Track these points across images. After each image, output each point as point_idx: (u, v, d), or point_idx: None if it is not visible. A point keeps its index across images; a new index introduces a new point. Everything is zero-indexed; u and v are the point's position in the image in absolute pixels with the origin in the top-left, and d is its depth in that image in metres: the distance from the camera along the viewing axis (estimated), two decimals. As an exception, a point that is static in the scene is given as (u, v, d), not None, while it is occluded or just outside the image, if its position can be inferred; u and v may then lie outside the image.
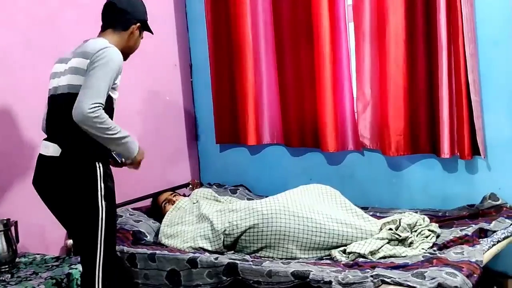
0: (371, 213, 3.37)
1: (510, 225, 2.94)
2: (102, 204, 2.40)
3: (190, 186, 4.15)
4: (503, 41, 3.20)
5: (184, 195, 3.92)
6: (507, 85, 3.22)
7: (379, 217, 3.26)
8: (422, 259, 2.71)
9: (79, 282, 2.67)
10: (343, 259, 2.86)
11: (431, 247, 2.89)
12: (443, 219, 3.23)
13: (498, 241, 2.84)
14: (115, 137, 2.36)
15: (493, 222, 2.98)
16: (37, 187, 2.54)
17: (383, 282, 2.46)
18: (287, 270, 2.67)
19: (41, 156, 2.51)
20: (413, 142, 3.46)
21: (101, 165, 2.42)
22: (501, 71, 3.23)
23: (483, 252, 2.69)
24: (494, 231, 2.91)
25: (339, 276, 2.54)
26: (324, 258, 2.97)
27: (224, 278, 2.82)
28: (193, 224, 3.30)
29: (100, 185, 2.39)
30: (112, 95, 2.44)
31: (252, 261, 2.87)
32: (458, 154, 3.34)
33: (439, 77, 3.30)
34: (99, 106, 2.28)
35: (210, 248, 3.10)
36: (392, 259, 2.78)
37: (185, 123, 4.27)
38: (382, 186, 3.67)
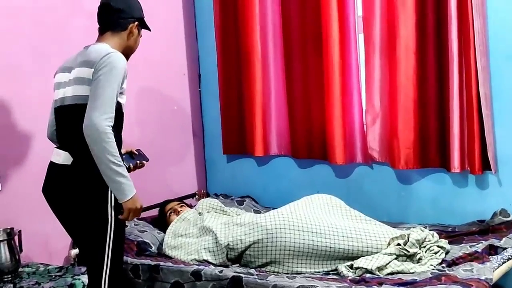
0: (379, 222, 3.30)
1: (521, 242, 2.89)
2: (111, 215, 2.37)
3: (197, 196, 4.12)
4: (516, 55, 3.17)
5: (191, 206, 3.89)
6: (519, 100, 3.19)
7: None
8: (431, 276, 2.65)
9: (81, 294, 2.65)
10: (350, 274, 2.81)
11: (440, 263, 2.84)
12: (453, 235, 3.18)
13: (509, 259, 2.80)
14: (114, 168, 2.28)
15: (504, 239, 2.94)
16: (47, 195, 2.51)
17: (391, 299, 2.41)
18: (293, 285, 2.62)
19: (52, 164, 2.50)
20: (422, 155, 3.42)
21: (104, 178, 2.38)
22: (514, 85, 3.19)
23: (493, 270, 2.64)
24: (505, 248, 2.86)
25: (345, 292, 2.50)
26: (330, 272, 2.93)
27: (229, 291, 2.78)
28: (197, 237, 3.27)
29: (111, 195, 2.36)
30: (120, 100, 2.42)
31: (257, 274, 2.83)
32: (468, 168, 3.29)
33: (450, 90, 3.26)
34: (109, 121, 2.27)
35: (214, 261, 3.07)
36: (400, 276, 2.73)
37: (192, 132, 4.25)
38: (391, 199, 3.63)
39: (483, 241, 2.95)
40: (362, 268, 2.80)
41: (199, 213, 3.53)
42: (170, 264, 3.03)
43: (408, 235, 2.95)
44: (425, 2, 3.32)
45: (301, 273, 2.92)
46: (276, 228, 3.01)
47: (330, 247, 2.94)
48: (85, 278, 2.71)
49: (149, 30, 2.68)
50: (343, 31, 3.57)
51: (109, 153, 2.26)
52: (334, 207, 3.26)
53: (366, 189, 3.71)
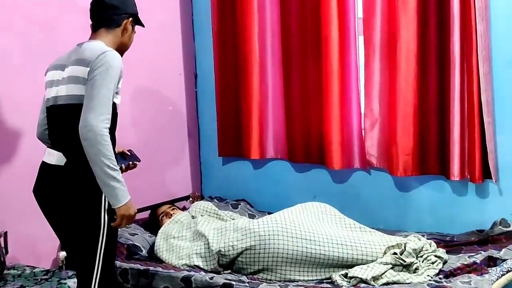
0: (374, 230, 3.25)
1: (521, 254, 2.83)
2: (104, 217, 2.32)
3: (191, 199, 4.07)
4: (519, 62, 3.12)
5: (184, 208, 3.84)
6: (521, 107, 3.14)
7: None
8: (428, 287, 2.59)
9: (68, 298, 2.58)
10: (344, 283, 2.76)
11: (437, 274, 2.78)
12: (451, 245, 3.13)
13: (508, 271, 2.74)
14: (108, 172, 2.21)
15: (503, 250, 2.88)
16: (38, 196, 2.46)
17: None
18: (285, 294, 2.57)
19: (44, 164, 2.44)
20: (422, 162, 3.37)
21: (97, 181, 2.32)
22: (516, 92, 3.15)
23: (491, 283, 2.60)
24: (504, 260, 2.80)
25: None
26: (324, 281, 2.87)
27: (219, 298, 2.72)
28: (189, 241, 3.22)
29: (105, 198, 2.30)
30: (115, 100, 2.36)
31: (248, 282, 2.77)
32: (468, 177, 3.25)
33: (451, 95, 3.21)
34: (106, 123, 2.22)
35: (205, 267, 3.01)
36: (395, 286, 2.68)
37: (187, 133, 4.19)
38: (389, 207, 3.58)
39: (482, 252, 2.90)
40: (357, 277, 2.75)
41: (192, 216, 3.48)
42: (160, 269, 2.97)
43: (405, 244, 2.90)
44: (427, 4, 3.27)
45: (294, 281, 2.87)
46: (269, 235, 2.96)
47: (324, 254, 2.89)
48: (71, 283, 2.65)
49: (143, 26, 2.62)
50: (343, 33, 3.51)
51: (105, 156, 2.20)
52: (328, 215, 3.22)
53: (363, 195, 3.66)
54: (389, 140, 3.45)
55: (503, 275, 2.70)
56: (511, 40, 3.13)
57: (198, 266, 3.01)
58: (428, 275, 2.75)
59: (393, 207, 3.56)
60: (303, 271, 2.91)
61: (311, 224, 3.04)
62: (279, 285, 2.75)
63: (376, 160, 3.56)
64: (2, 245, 2.72)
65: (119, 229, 3.20)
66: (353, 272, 2.78)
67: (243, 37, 3.84)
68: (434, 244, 2.98)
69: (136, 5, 2.57)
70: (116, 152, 2.61)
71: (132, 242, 3.27)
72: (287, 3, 3.72)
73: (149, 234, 3.46)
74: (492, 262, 2.80)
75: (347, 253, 2.89)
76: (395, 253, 2.85)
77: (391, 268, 2.80)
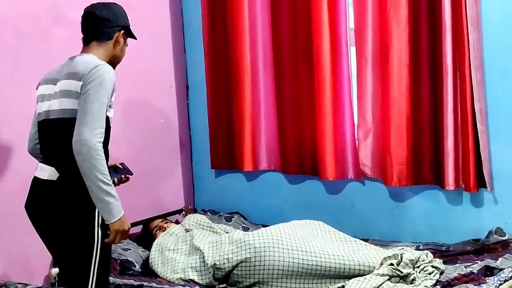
0: (370, 245, 3.22)
1: (518, 262, 2.82)
2: (98, 233, 2.29)
3: (184, 212, 4.02)
4: (511, 69, 3.12)
5: (177, 222, 3.80)
6: (515, 115, 3.14)
7: (379, 251, 3.13)
8: (425, 298, 2.57)
9: (59, 316, 2.54)
10: (341, 296, 2.72)
11: (435, 284, 2.75)
12: (447, 254, 3.11)
13: (506, 280, 2.70)
14: (102, 187, 2.20)
15: (500, 259, 2.87)
16: (30, 211, 2.43)
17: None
18: (281, 308, 2.53)
19: (36, 179, 2.41)
20: (416, 172, 3.35)
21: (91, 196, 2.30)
22: (509, 100, 3.15)
23: (489, 292, 2.57)
24: (501, 269, 2.78)
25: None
26: (321, 294, 2.84)
27: (214, 314, 2.68)
28: (185, 255, 3.18)
29: (98, 213, 2.28)
30: (108, 114, 2.34)
31: (244, 296, 2.73)
32: (463, 186, 3.24)
33: (444, 105, 3.21)
34: (100, 137, 2.21)
35: (200, 281, 2.97)
36: (393, 298, 2.64)
37: (179, 146, 4.15)
38: (383, 217, 3.55)
39: (479, 261, 2.89)
40: (354, 290, 2.70)
41: (186, 229, 3.45)
42: (154, 284, 2.93)
43: (401, 254, 2.87)
44: (418, 14, 3.27)
45: (290, 294, 2.83)
46: (264, 247, 2.93)
47: (321, 266, 2.86)
48: (64, 300, 2.61)
49: (135, 38, 2.60)
50: (335, 44, 3.50)
51: (99, 171, 2.19)
52: (323, 231, 3.20)
53: (357, 206, 3.64)
54: (383, 150, 3.44)
55: (500, 284, 2.67)
56: (504, 49, 3.13)
57: (193, 280, 2.97)
58: (425, 286, 2.71)
59: (387, 218, 3.54)
60: (299, 284, 2.87)
61: (306, 238, 3.01)
62: (275, 299, 2.72)
63: (370, 170, 3.54)
64: (-7, 262, 2.69)
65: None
66: (350, 284, 2.75)
67: (235, 48, 3.82)
68: (430, 255, 2.95)
69: (128, 18, 2.55)
70: (109, 165, 2.59)
71: (125, 258, 3.23)
72: (278, 14, 3.71)
73: (142, 249, 3.41)
74: (489, 271, 2.78)
75: (344, 265, 2.86)
76: (391, 264, 2.82)
77: (388, 279, 2.77)
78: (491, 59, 3.15)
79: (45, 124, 2.41)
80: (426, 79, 3.29)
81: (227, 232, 3.38)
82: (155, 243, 3.30)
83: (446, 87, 3.18)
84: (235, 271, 2.93)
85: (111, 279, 2.95)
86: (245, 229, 3.67)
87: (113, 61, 2.48)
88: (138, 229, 3.64)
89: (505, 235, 3.09)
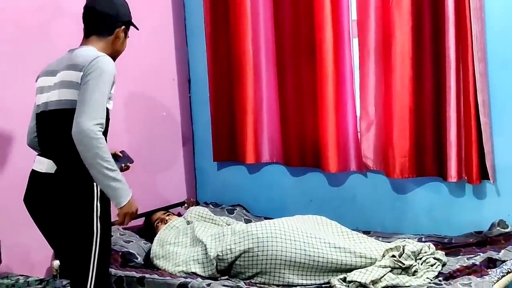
0: (372, 238, 3.23)
1: (521, 254, 2.82)
2: (97, 225, 2.29)
3: (186, 205, 4.02)
4: (515, 61, 3.11)
5: (180, 214, 3.80)
6: (518, 107, 3.13)
7: (381, 243, 3.13)
8: (427, 290, 2.57)
9: (61, 308, 2.55)
10: (343, 288, 2.72)
11: (437, 276, 2.75)
12: (449, 247, 3.10)
13: (508, 272, 2.71)
14: (108, 174, 2.22)
15: (502, 251, 2.87)
16: (28, 204, 2.43)
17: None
18: (283, 299, 2.53)
19: (34, 172, 2.41)
20: (418, 164, 3.34)
21: (97, 184, 2.31)
22: (512, 92, 3.13)
23: (492, 284, 2.57)
24: (504, 261, 2.78)
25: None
26: (322, 285, 2.84)
27: (216, 306, 2.68)
28: (186, 247, 3.18)
29: (96, 205, 2.28)
30: (108, 106, 2.33)
31: (246, 288, 2.73)
32: (465, 178, 3.22)
33: (447, 97, 3.19)
34: (100, 128, 2.21)
35: (203, 274, 2.97)
36: (394, 289, 2.64)
37: (182, 139, 4.15)
38: (385, 209, 3.54)
39: (481, 254, 2.89)
40: (356, 281, 2.70)
41: (188, 221, 3.45)
42: (156, 276, 2.93)
43: (403, 246, 2.87)
44: (421, 5, 3.25)
45: (292, 285, 2.84)
46: (267, 237, 2.93)
47: (323, 257, 2.86)
48: (65, 292, 2.62)
49: (137, 29, 2.59)
50: (337, 36, 3.49)
51: (102, 158, 2.20)
52: (325, 225, 3.19)
53: (360, 198, 3.63)
54: (385, 142, 3.43)
55: (503, 276, 2.67)
56: (507, 40, 3.11)
57: (195, 273, 2.97)
58: (427, 278, 2.72)
59: (390, 210, 3.53)
60: (301, 275, 2.87)
61: (309, 230, 3.01)
62: (277, 290, 2.72)
63: (372, 162, 3.53)
64: (-5, 254, 2.70)
65: (114, 236, 3.21)
66: (352, 276, 2.74)
67: (237, 41, 3.81)
68: (432, 246, 2.95)
69: (130, 11, 2.54)
70: None
71: (127, 250, 3.23)
72: (280, 6, 3.70)
73: (144, 241, 3.41)
74: (491, 263, 2.78)
75: (345, 257, 2.86)
76: (393, 256, 2.82)
77: (390, 271, 2.77)
78: (494, 51, 3.13)
79: (43, 115, 2.40)
80: (429, 71, 3.28)
81: (228, 224, 3.38)
82: (156, 238, 3.30)
83: (449, 79, 3.17)
84: (237, 262, 2.93)
85: (113, 271, 2.96)
86: (247, 221, 3.66)
87: (113, 55, 2.47)
88: (140, 221, 3.64)
89: (507, 227, 3.08)
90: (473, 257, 2.85)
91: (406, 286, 2.66)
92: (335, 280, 2.78)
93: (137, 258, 3.22)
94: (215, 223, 3.45)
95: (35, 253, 3.07)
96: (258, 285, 2.84)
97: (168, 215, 3.60)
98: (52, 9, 3.21)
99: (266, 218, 3.59)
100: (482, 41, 3.11)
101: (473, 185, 3.23)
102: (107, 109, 2.34)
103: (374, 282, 2.68)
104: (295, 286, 2.84)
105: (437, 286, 2.59)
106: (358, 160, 3.55)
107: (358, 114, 3.55)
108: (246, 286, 2.78)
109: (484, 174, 3.16)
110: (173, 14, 4.07)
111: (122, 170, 2.64)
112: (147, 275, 2.92)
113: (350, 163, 3.58)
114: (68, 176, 2.30)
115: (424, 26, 3.26)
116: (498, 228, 3.09)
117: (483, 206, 3.26)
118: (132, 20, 2.55)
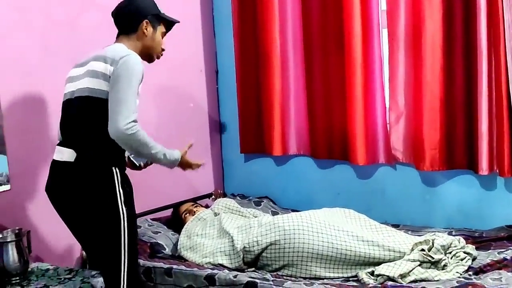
0: (402, 232, 3.20)
1: (553, 249, 2.76)
2: (123, 209, 2.32)
3: (213, 196, 4.03)
4: (548, 51, 3.03)
5: (207, 206, 3.81)
6: (552, 98, 3.05)
7: (410, 236, 3.10)
8: (457, 284, 2.53)
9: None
10: (371, 281, 2.70)
11: (467, 271, 2.72)
12: (480, 241, 3.06)
13: (540, 267, 2.66)
14: (156, 156, 2.40)
15: (534, 246, 2.82)
16: (50, 194, 2.46)
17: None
18: (310, 292, 2.52)
19: (54, 162, 2.44)
20: (449, 156, 3.30)
21: (117, 170, 2.36)
22: (546, 83, 3.06)
23: (523, 279, 2.52)
24: (535, 256, 2.73)
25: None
26: (350, 279, 2.82)
27: (243, 297, 2.68)
28: (213, 239, 3.19)
29: (119, 190, 2.32)
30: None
31: (273, 280, 2.73)
32: (497, 171, 3.17)
33: (478, 87, 3.14)
34: (134, 124, 2.27)
35: (229, 265, 2.97)
36: (423, 284, 2.61)
37: (209, 131, 4.16)
38: (415, 203, 3.51)
39: (512, 248, 2.84)
40: (384, 275, 2.68)
41: (215, 213, 3.46)
42: (183, 267, 2.94)
43: (433, 240, 2.84)
44: (452, -6, 3.19)
45: (319, 278, 2.83)
46: (294, 229, 2.92)
47: (351, 250, 2.85)
48: (94, 282, 2.64)
49: (174, 21, 2.64)
50: (366, 26, 3.46)
51: (143, 147, 2.32)
52: (353, 218, 3.17)
53: (388, 191, 3.60)
54: (415, 134, 3.39)
55: (534, 271, 2.63)
56: (541, 29, 3.04)
57: (221, 265, 2.98)
58: (457, 272, 2.68)
59: (419, 203, 3.50)
60: (329, 268, 2.86)
61: (336, 223, 3.00)
62: (304, 283, 2.69)
63: (401, 155, 3.49)
64: (25, 244, 2.72)
65: (141, 227, 3.24)
66: (380, 269, 2.73)
67: (264, 32, 3.79)
68: (462, 240, 2.91)
69: (156, 5, 2.57)
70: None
71: (155, 240, 3.25)
72: (308, -3, 3.67)
73: (172, 232, 3.43)
74: (523, 258, 2.73)
75: (374, 250, 2.84)
76: (422, 250, 2.79)
77: (419, 265, 2.74)
78: (528, 40, 3.06)
79: (69, 103, 2.45)
80: (460, 61, 3.23)
81: (255, 216, 3.38)
82: (183, 229, 3.32)
83: (481, 69, 3.11)
84: (264, 254, 2.93)
85: (142, 261, 2.99)
86: (274, 213, 3.66)
87: (146, 52, 2.54)
88: (168, 212, 3.66)
89: (539, 221, 3.04)
90: (504, 251, 2.81)
91: (435, 280, 2.63)
92: (363, 274, 2.77)
93: (165, 249, 3.23)
94: (242, 215, 3.45)
95: (65, 243, 3.10)
96: (284, 277, 2.83)
97: (196, 206, 3.61)
98: (80, 2, 3.23)
99: (293, 211, 3.58)
100: (515, 30, 3.04)
101: (504, 178, 3.19)
102: None
103: (402, 276, 2.66)
104: (322, 278, 2.82)
105: (467, 281, 2.56)
106: (387, 152, 3.52)
107: (387, 105, 3.51)
108: (272, 278, 2.77)
109: (516, 167, 3.10)
110: (201, 6, 4.08)
111: (148, 164, 2.66)
112: (174, 266, 2.94)
113: (379, 156, 3.55)
114: (88, 164, 2.33)
115: (455, 15, 3.21)
116: (530, 222, 3.05)
117: (515, 199, 3.21)
118: (163, 14, 2.58)
